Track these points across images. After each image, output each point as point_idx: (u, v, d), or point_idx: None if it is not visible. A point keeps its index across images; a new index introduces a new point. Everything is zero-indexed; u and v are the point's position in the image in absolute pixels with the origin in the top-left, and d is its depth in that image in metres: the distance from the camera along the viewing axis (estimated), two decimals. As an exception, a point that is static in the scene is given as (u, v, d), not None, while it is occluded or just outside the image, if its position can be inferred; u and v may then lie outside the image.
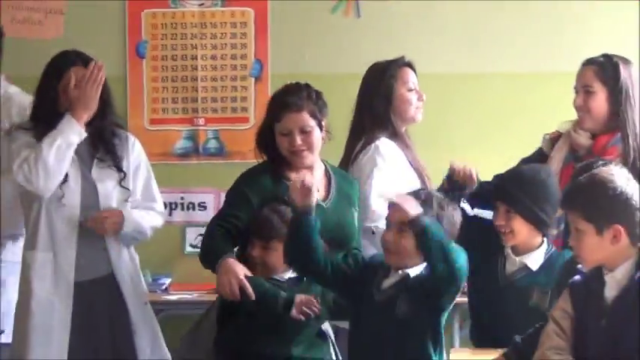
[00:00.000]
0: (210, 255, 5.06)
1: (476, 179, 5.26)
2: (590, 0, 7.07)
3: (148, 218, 5.58)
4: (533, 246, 4.98)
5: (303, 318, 4.91)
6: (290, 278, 5.01)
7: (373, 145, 5.73)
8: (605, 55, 5.53)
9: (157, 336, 5.67)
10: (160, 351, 5.67)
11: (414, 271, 4.65)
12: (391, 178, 5.54)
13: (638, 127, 5.47)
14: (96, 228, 5.41)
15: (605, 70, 5.46)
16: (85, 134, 5.38)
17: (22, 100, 6.21)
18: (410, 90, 5.88)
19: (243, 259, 5.03)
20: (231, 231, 5.11)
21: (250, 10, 6.97)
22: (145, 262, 5.86)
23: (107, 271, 5.51)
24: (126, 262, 5.57)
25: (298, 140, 5.06)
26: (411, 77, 5.91)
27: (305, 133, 5.07)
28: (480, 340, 5.09)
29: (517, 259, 4.96)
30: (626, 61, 5.51)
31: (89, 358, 5.44)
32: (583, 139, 5.49)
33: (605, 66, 5.47)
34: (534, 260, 4.95)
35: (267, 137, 5.22)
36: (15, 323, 5.59)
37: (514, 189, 4.97)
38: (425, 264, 4.67)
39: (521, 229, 4.91)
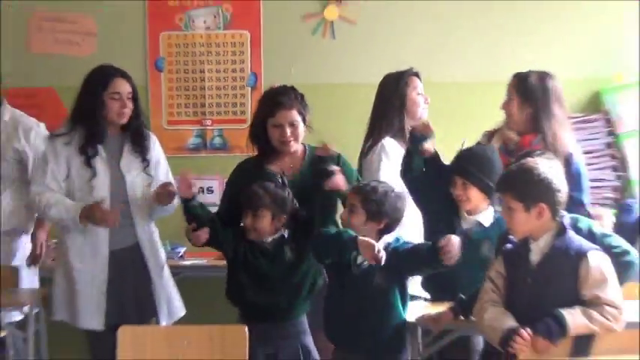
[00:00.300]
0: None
1: (432, 131, 5.32)
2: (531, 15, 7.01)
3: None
4: (483, 209, 5.08)
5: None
6: (273, 239, 5.09)
7: (379, 144, 5.79)
8: (529, 70, 5.61)
9: (172, 294, 5.71)
10: (174, 307, 5.70)
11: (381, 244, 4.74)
12: (394, 172, 5.45)
13: (553, 129, 5.50)
14: (159, 198, 5.48)
15: (521, 82, 5.59)
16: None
17: (26, 122, 6.28)
18: (418, 94, 5.92)
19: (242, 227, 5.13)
20: (223, 220, 5.25)
21: (247, 33, 7.06)
22: (164, 234, 5.88)
23: (133, 242, 5.58)
24: (148, 234, 5.64)
25: (288, 132, 5.27)
26: (419, 84, 5.96)
27: (293, 126, 5.29)
28: (435, 289, 5.19)
29: (472, 217, 5.08)
30: (544, 75, 5.59)
31: (118, 311, 5.44)
32: (512, 135, 5.61)
33: (522, 78, 5.60)
34: (486, 218, 5.07)
35: (258, 130, 5.37)
36: (60, 294, 5.60)
37: (468, 165, 5.08)
38: (384, 239, 4.83)
39: (474, 196, 5.04)
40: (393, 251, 4.81)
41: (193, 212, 5.14)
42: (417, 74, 5.99)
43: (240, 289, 5.11)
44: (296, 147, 5.38)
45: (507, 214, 4.35)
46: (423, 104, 5.98)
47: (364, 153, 5.91)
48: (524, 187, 4.29)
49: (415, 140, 5.35)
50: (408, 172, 5.29)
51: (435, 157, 5.38)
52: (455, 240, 4.55)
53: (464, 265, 4.71)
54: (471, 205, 5.12)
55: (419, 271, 4.97)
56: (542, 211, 4.26)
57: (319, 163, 5.26)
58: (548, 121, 5.55)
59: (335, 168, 5.15)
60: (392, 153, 5.79)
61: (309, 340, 5.14)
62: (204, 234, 5.10)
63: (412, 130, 5.42)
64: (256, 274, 5.08)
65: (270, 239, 5.13)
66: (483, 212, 5.14)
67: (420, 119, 5.82)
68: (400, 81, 5.94)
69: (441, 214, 5.22)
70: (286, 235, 5.15)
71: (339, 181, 5.12)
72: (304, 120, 5.37)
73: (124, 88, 5.56)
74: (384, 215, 4.83)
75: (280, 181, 5.18)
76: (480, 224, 5.12)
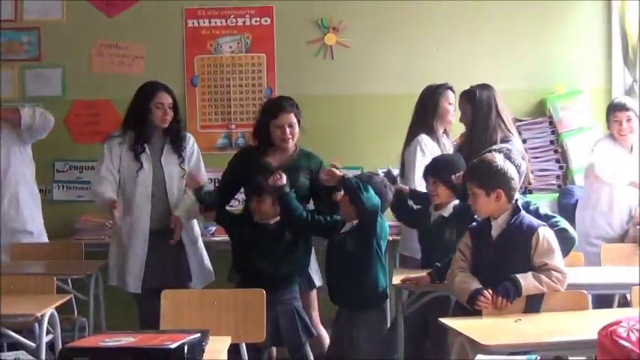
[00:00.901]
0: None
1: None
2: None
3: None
4: (449, 204, 5.11)
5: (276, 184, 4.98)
6: (275, 222, 5.10)
7: (416, 139, 5.73)
8: (471, 88, 5.66)
9: (205, 263, 5.72)
10: (206, 273, 5.69)
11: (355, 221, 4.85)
12: (426, 160, 5.47)
13: (485, 129, 5.53)
14: (187, 183, 5.53)
15: (468, 96, 5.64)
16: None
17: None
18: (449, 104, 5.84)
19: (248, 210, 5.18)
20: (222, 197, 5.44)
21: (264, 55, 7.01)
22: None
23: (169, 223, 5.50)
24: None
25: (287, 132, 5.30)
26: (451, 96, 5.87)
27: (291, 127, 5.32)
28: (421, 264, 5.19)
29: (437, 212, 5.12)
30: (485, 87, 5.61)
31: (158, 278, 5.46)
32: (464, 139, 5.69)
33: (468, 94, 5.65)
34: (446, 211, 5.09)
35: (262, 129, 5.39)
36: (112, 264, 5.63)
37: (437, 167, 5.17)
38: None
39: (442, 192, 5.09)
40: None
41: (201, 199, 5.29)
42: (451, 88, 5.91)
43: (249, 263, 5.07)
44: (292, 145, 5.41)
45: (472, 199, 4.34)
46: (451, 112, 5.88)
47: (405, 146, 5.83)
48: (485, 177, 4.30)
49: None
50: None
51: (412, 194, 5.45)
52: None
53: (435, 246, 4.97)
54: (439, 200, 5.15)
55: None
56: (499, 196, 4.27)
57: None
58: (484, 124, 5.56)
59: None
60: (425, 146, 5.73)
61: (299, 304, 5.13)
62: (210, 215, 5.33)
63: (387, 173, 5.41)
64: (262, 250, 5.04)
65: (272, 222, 5.09)
66: (448, 206, 5.14)
67: (448, 123, 5.91)
68: (436, 92, 5.86)
69: (421, 216, 5.31)
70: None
71: (279, 179, 5.10)
72: (299, 123, 5.39)
73: (166, 99, 5.60)
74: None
75: (283, 174, 5.12)
76: (441, 216, 5.13)
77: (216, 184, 5.97)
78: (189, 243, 5.66)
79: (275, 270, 5.00)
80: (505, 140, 5.47)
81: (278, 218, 5.10)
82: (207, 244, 5.96)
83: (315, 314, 5.47)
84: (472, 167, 4.48)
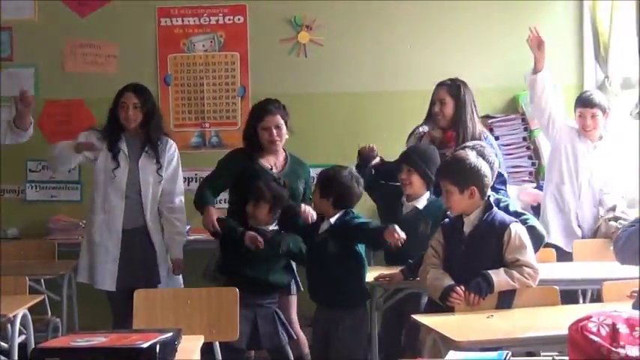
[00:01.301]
0: (199, 203, 5.32)
1: (376, 151, 5.58)
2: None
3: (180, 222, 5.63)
4: (422, 194, 5.16)
5: (251, 246, 4.92)
6: (272, 229, 5.11)
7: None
8: (451, 79, 5.69)
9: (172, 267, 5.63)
10: (174, 282, 5.61)
11: (332, 220, 4.92)
12: None
13: (471, 125, 5.57)
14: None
15: (452, 88, 5.63)
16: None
17: None
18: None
19: (242, 213, 5.18)
20: (213, 190, 5.39)
21: (237, 54, 6.98)
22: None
23: (142, 223, 5.56)
24: (156, 216, 5.59)
25: (274, 133, 5.33)
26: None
27: (278, 128, 5.35)
28: (391, 261, 5.18)
29: (410, 204, 5.15)
30: (465, 84, 5.66)
31: (128, 277, 5.45)
32: (437, 134, 5.66)
33: (452, 86, 5.64)
34: (420, 203, 5.14)
35: (250, 133, 5.43)
36: (81, 262, 5.58)
37: (414, 156, 5.20)
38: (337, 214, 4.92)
39: (415, 182, 5.13)
40: (344, 223, 4.88)
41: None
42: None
43: (239, 265, 5.05)
44: (279, 146, 5.42)
45: (446, 196, 4.35)
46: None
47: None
48: (459, 174, 4.30)
49: (364, 159, 5.55)
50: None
51: (381, 164, 5.54)
52: (395, 231, 4.67)
53: (408, 239, 4.83)
54: (412, 189, 5.18)
55: (365, 244, 4.97)
56: (473, 193, 4.28)
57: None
58: (466, 120, 5.59)
59: (301, 208, 5.19)
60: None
61: (277, 306, 5.12)
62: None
63: (360, 151, 5.60)
64: (255, 254, 5.02)
65: (270, 229, 5.10)
66: (421, 198, 5.17)
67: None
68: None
69: (388, 205, 5.32)
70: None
71: (308, 214, 5.17)
72: (286, 124, 5.41)
73: (130, 99, 5.56)
74: (333, 192, 4.87)
75: (282, 183, 5.18)
76: (416, 208, 5.15)
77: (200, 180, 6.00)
78: (160, 244, 5.62)
79: (266, 277, 5.01)
80: (478, 137, 5.50)
81: (274, 226, 5.12)
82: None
83: (295, 317, 5.47)
84: (446, 164, 4.50)
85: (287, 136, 5.45)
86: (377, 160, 5.61)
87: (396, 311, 4.97)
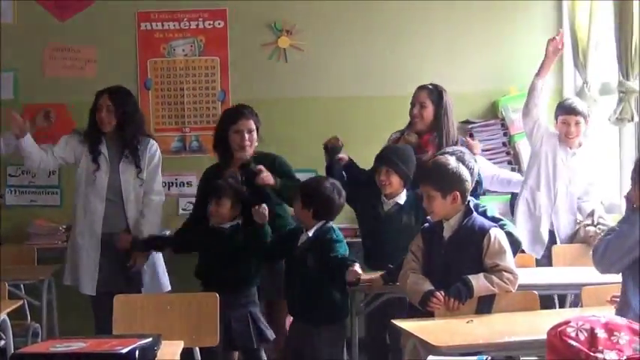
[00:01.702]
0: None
1: (340, 142, 5.54)
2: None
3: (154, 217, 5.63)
4: (400, 192, 5.17)
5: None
6: (231, 226, 5.06)
7: None
8: (432, 84, 5.68)
9: (158, 272, 5.67)
10: (159, 283, 5.64)
11: (311, 233, 4.81)
12: None
13: (452, 131, 5.60)
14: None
15: (433, 93, 5.62)
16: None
17: None
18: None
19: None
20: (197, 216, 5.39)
21: (217, 59, 6.98)
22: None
23: (124, 226, 5.56)
24: (136, 221, 5.58)
25: (246, 137, 5.29)
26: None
27: (250, 133, 5.31)
28: (371, 263, 5.20)
29: (391, 200, 5.16)
30: (444, 90, 5.64)
31: (109, 282, 5.43)
32: (412, 138, 5.64)
33: (434, 91, 5.63)
34: (401, 199, 5.16)
35: (221, 136, 5.40)
36: (67, 265, 5.60)
37: (393, 157, 5.19)
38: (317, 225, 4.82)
39: (395, 182, 5.13)
40: (322, 235, 4.81)
41: (139, 249, 5.46)
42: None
43: (204, 267, 5.07)
44: (250, 152, 5.37)
45: (428, 201, 4.35)
46: None
47: None
48: (442, 179, 4.31)
49: (331, 153, 5.49)
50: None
51: (351, 164, 5.51)
52: (357, 273, 4.58)
53: (391, 234, 5.01)
54: (391, 189, 5.19)
55: (326, 270, 4.83)
56: (456, 198, 4.30)
57: (248, 164, 5.24)
58: (447, 124, 5.61)
59: (259, 167, 5.16)
60: None
61: (257, 309, 5.07)
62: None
63: (325, 144, 5.52)
64: (215, 253, 5.02)
65: (228, 225, 5.06)
66: (401, 194, 5.21)
67: None
68: None
69: (365, 208, 5.32)
70: (240, 223, 5.09)
71: (265, 178, 5.13)
72: (257, 131, 5.38)
73: (103, 101, 5.57)
74: (314, 203, 4.80)
75: (238, 177, 5.14)
76: (397, 203, 5.19)
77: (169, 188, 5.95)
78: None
79: (230, 273, 4.96)
80: (456, 144, 5.51)
81: (234, 222, 5.08)
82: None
83: (285, 321, 5.40)
84: (428, 170, 4.49)
85: (256, 144, 5.40)
86: (344, 155, 5.53)
87: (379, 315, 4.96)
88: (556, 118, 5.93)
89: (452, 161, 4.41)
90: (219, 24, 7.05)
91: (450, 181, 4.30)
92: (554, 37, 5.89)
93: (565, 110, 5.86)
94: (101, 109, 5.54)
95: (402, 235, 4.87)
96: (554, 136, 5.89)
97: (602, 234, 5.50)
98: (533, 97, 5.86)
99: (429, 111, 5.65)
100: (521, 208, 5.92)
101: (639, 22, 5.63)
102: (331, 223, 4.85)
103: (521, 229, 5.69)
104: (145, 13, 7.05)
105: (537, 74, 5.90)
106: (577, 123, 5.82)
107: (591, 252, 4.01)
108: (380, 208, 5.23)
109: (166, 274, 5.73)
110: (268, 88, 6.94)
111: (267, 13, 7.01)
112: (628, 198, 3.92)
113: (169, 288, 5.67)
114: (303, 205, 4.82)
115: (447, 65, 6.89)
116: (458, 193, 4.29)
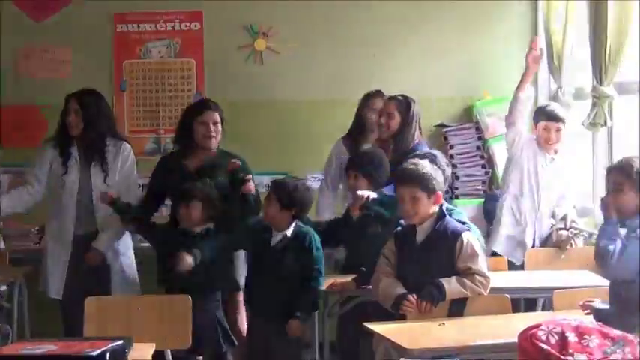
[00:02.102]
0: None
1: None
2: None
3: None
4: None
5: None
6: (202, 229, 5.03)
7: None
8: (402, 95, 5.69)
9: (128, 276, 5.62)
10: (128, 287, 5.57)
11: (289, 232, 4.83)
12: None
13: (407, 137, 5.60)
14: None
15: (402, 105, 5.63)
16: None
17: None
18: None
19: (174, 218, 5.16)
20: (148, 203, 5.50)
21: (193, 60, 6.98)
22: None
23: (94, 228, 5.52)
24: (107, 224, 5.51)
25: (212, 129, 5.33)
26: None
27: (215, 125, 5.34)
28: (348, 262, 5.25)
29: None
30: (413, 100, 5.66)
31: (79, 285, 5.32)
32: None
33: (403, 102, 5.65)
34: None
35: (185, 128, 5.42)
36: (42, 269, 5.58)
37: (363, 161, 5.21)
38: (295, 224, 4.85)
39: (363, 187, 5.07)
40: (300, 234, 4.85)
41: (119, 211, 5.29)
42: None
43: (169, 273, 4.96)
44: (215, 144, 5.40)
45: (412, 203, 4.31)
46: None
47: None
48: (426, 180, 4.31)
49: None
50: None
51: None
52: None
53: (357, 243, 5.07)
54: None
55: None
56: (438, 198, 4.33)
57: (234, 172, 5.22)
58: (406, 130, 5.63)
59: (248, 176, 5.18)
60: None
61: (221, 313, 5.05)
62: (129, 225, 5.41)
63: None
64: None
65: (198, 230, 5.03)
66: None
67: None
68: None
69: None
70: (212, 227, 5.07)
71: (251, 186, 5.16)
72: (222, 124, 5.41)
73: (71, 104, 5.54)
74: (294, 204, 4.81)
75: (208, 182, 5.13)
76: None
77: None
78: (113, 255, 5.57)
79: (198, 277, 4.89)
80: (411, 150, 5.46)
81: (205, 226, 5.05)
82: (136, 251, 5.82)
83: (241, 318, 5.44)
84: (411, 172, 4.39)
85: (220, 137, 5.41)
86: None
87: (352, 317, 4.91)
88: (535, 123, 5.87)
89: (427, 164, 4.43)
90: (195, 26, 7.02)
91: (433, 182, 4.32)
92: (531, 49, 5.89)
93: (547, 117, 5.79)
94: (69, 112, 5.52)
95: (373, 242, 4.79)
96: (532, 141, 5.85)
97: (575, 237, 5.58)
98: (517, 110, 5.84)
99: (395, 122, 5.65)
100: (505, 216, 5.85)
101: (613, 27, 5.64)
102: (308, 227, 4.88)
103: (502, 236, 5.77)
104: (121, 15, 7.02)
105: (518, 87, 5.90)
106: (558, 130, 5.77)
107: (598, 257, 3.93)
108: (348, 217, 5.17)
109: (137, 274, 5.70)
110: (244, 90, 6.92)
111: (243, 16, 6.99)
112: (606, 204, 3.90)
113: (139, 293, 5.59)
114: (282, 207, 4.80)
115: (423, 69, 6.91)
116: (440, 194, 4.33)
